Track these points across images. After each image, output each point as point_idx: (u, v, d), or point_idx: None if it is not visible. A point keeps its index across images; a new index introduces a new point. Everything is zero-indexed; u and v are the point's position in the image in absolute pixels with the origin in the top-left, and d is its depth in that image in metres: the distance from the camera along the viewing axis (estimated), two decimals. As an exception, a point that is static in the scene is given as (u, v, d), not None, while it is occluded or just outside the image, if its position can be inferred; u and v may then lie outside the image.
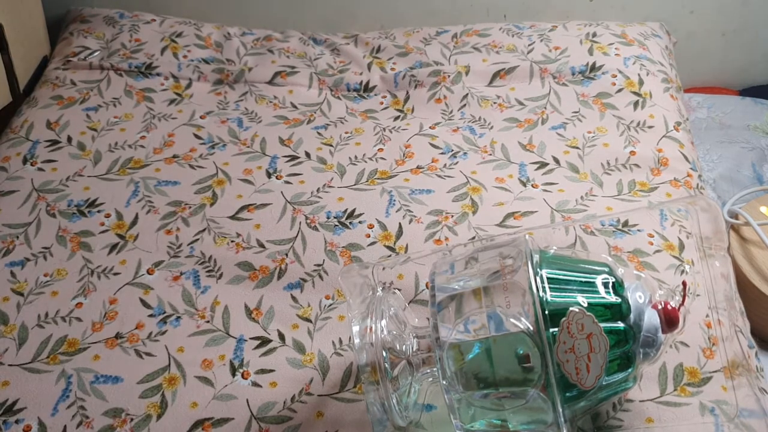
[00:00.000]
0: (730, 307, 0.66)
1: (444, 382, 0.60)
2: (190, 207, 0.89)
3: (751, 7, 1.27)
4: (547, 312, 0.57)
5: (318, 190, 0.91)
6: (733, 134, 1.19)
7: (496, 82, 1.07)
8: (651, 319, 0.61)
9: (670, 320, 0.61)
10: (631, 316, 0.60)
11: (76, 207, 0.89)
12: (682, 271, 0.80)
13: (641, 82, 1.04)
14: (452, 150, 0.96)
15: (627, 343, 0.60)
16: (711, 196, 1.09)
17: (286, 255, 0.83)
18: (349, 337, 0.76)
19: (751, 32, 1.30)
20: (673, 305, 0.62)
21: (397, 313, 0.67)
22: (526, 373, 0.58)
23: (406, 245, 0.84)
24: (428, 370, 0.65)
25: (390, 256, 0.83)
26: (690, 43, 1.30)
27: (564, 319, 0.57)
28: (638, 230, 0.84)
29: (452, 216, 0.86)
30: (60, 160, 0.95)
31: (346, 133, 1.00)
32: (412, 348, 0.65)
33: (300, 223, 0.86)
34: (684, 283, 0.64)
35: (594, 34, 1.13)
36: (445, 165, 0.94)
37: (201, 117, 1.03)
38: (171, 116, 1.02)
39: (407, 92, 1.07)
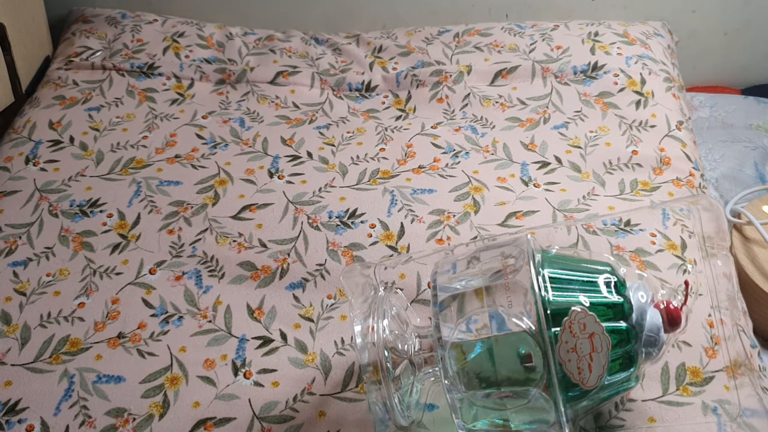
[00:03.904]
0: (732, 306, 0.66)
1: (446, 382, 0.60)
2: (192, 207, 0.89)
3: (753, 6, 1.27)
4: (549, 311, 0.57)
5: (320, 189, 0.91)
6: (736, 133, 1.19)
7: (498, 82, 1.07)
8: (653, 318, 0.61)
9: (672, 320, 0.61)
10: (634, 315, 0.60)
11: (78, 207, 0.89)
12: (685, 271, 0.80)
13: (643, 82, 1.04)
14: (454, 149, 0.96)
15: (629, 342, 0.60)
16: (713, 195, 1.08)
17: (288, 255, 0.83)
18: (351, 337, 0.76)
19: (754, 31, 1.30)
20: (676, 305, 0.62)
21: (399, 313, 0.67)
22: (528, 372, 0.58)
23: (408, 245, 0.84)
24: (430, 370, 0.65)
25: (392, 255, 0.83)
26: (692, 42, 1.30)
27: (566, 318, 0.57)
28: (640, 230, 0.84)
29: (454, 215, 0.86)
30: (62, 160, 0.95)
31: (348, 132, 1.00)
32: (414, 347, 0.65)
33: (302, 222, 0.86)
34: (686, 283, 0.63)
35: (596, 34, 1.13)
36: (446, 164, 0.94)
37: (203, 117, 1.03)
38: (173, 116, 1.02)
39: (409, 92, 1.07)
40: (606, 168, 0.93)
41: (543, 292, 0.58)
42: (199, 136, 0.99)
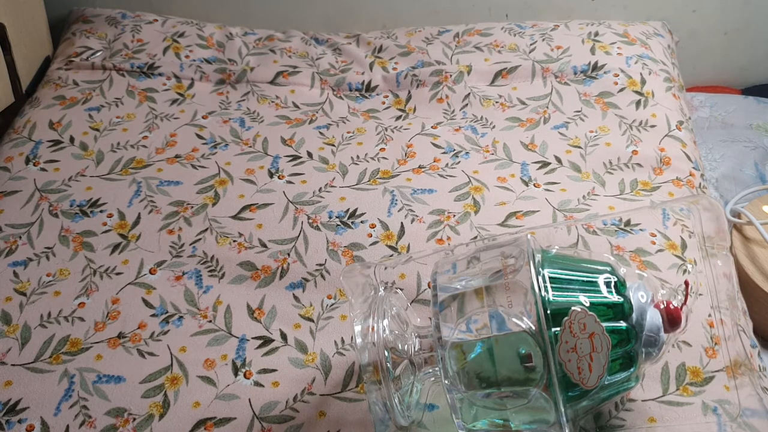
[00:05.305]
0: (732, 306, 0.66)
1: (446, 382, 0.60)
2: (192, 207, 0.89)
3: (753, 6, 1.27)
4: (549, 311, 0.57)
5: (320, 189, 0.91)
6: (736, 133, 1.19)
7: (498, 82, 1.07)
8: (653, 318, 0.61)
9: (672, 320, 0.61)
10: (634, 315, 0.60)
11: (79, 207, 0.89)
12: (685, 271, 0.80)
13: (643, 82, 1.04)
14: (454, 149, 0.96)
15: (629, 342, 0.60)
16: (713, 195, 1.08)
17: (288, 255, 0.83)
18: (351, 337, 0.76)
19: (754, 31, 1.30)
20: (676, 305, 0.62)
21: (399, 313, 0.67)
22: (528, 372, 0.58)
23: (408, 245, 0.84)
24: (430, 370, 0.65)
25: (392, 255, 0.83)
26: (692, 41, 1.30)
27: (566, 318, 0.57)
28: (640, 229, 0.84)
29: (454, 215, 0.86)
30: (62, 160, 0.95)
31: (348, 132, 1.00)
32: (414, 347, 0.65)
33: (302, 222, 0.86)
34: (686, 283, 0.63)
35: (596, 34, 1.13)
36: (447, 164, 0.94)
37: (203, 117, 1.03)
38: (173, 116, 1.02)
39: (409, 92, 1.07)
40: (606, 168, 0.93)
41: (543, 292, 0.58)
42: (199, 136, 0.99)
